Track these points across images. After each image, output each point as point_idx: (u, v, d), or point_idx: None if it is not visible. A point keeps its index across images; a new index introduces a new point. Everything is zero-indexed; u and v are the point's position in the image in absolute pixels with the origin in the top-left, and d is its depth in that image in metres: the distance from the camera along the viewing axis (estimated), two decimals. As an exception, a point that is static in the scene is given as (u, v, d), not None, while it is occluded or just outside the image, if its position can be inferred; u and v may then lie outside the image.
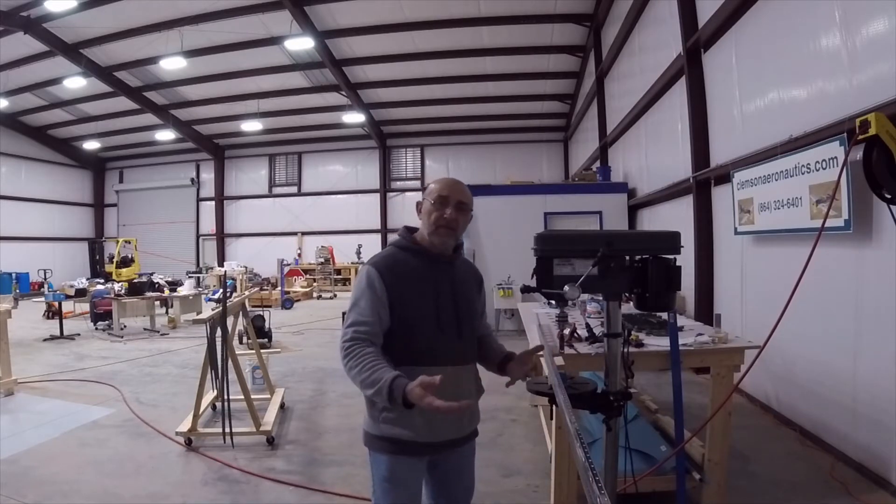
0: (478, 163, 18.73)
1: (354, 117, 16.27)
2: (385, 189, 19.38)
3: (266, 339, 7.85)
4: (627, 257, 1.75)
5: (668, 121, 7.20)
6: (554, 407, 1.69)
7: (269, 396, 4.96)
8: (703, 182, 6.01)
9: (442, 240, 1.77)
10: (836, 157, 3.48)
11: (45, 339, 8.75)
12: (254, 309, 8.93)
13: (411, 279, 1.73)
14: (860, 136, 3.00)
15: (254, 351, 5.18)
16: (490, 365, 1.93)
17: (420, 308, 1.73)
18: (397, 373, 1.52)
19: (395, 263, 1.75)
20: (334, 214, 19.59)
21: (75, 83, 13.83)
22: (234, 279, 12.72)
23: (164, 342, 8.69)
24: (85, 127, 18.11)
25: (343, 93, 15.10)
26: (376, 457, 1.76)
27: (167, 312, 11.40)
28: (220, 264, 17.98)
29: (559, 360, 2.54)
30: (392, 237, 1.94)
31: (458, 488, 1.88)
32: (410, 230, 1.86)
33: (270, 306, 11.73)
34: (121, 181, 21.80)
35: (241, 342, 7.40)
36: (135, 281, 10.65)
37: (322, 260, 17.98)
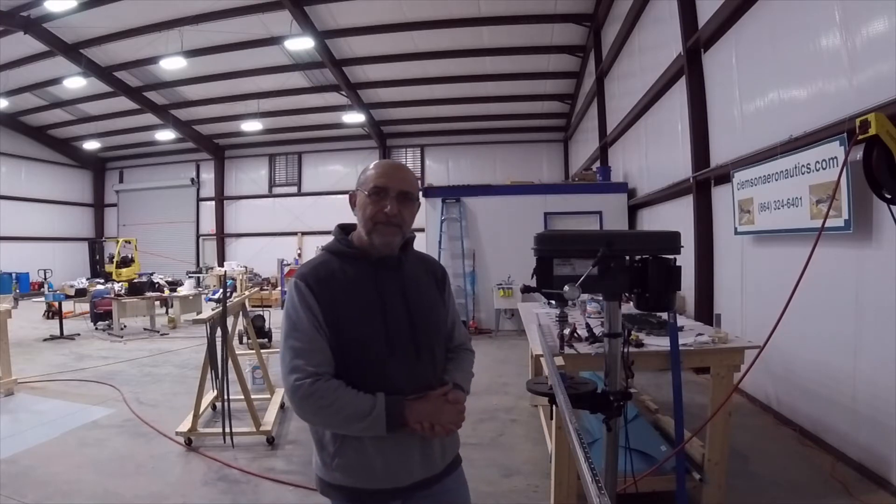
0: (478, 163, 18.73)
1: (354, 117, 16.26)
2: (385, 189, 19.35)
3: (266, 339, 7.85)
4: (627, 257, 1.76)
5: (668, 121, 7.20)
6: (554, 407, 1.69)
7: (269, 396, 4.96)
8: (703, 182, 6.01)
9: (384, 239, 1.44)
10: (836, 157, 3.47)
11: (45, 339, 8.75)
12: (254, 309, 8.92)
13: (351, 292, 1.42)
14: (860, 136, 3.00)
15: (254, 351, 5.18)
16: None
17: (365, 328, 1.41)
18: (380, 398, 1.34)
19: (328, 274, 1.43)
20: (334, 214, 19.37)
21: (75, 83, 13.81)
22: (234, 279, 12.72)
23: (164, 342, 8.69)
24: (85, 127, 18.10)
25: (343, 93, 15.10)
26: None
27: (167, 312, 11.42)
28: (220, 264, 17.96)
29: (559, 361, 2.54)
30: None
31: None
32: (346, 229, 1.54)
33: (270, 306, 11.73)
34: (121, 181, 21.78)
35: (241, 342, 7.41)
36: (135, 281, 10.66)
37: (322, 260, 17.96)
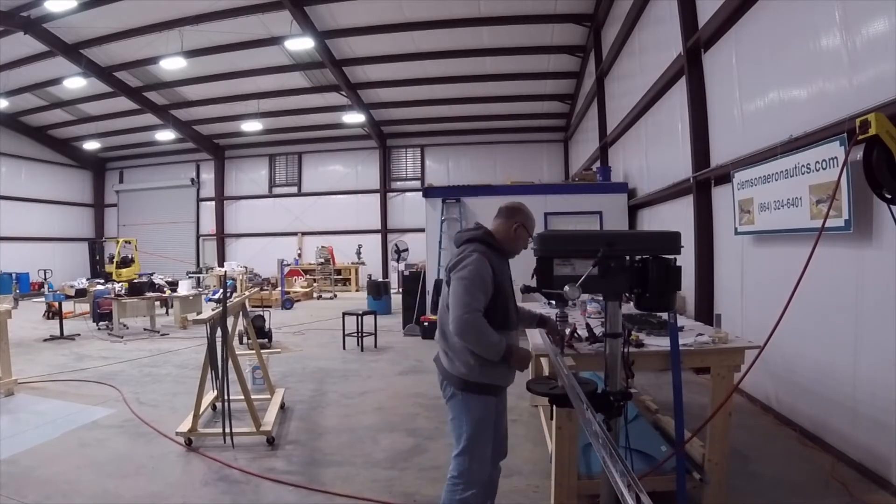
0: (478, 163, 18.73)
1: (354, 117, 16.26)
2: (385, 189, 19.37)
3: (266, 340, 7.85)
4: (627, 257, 1.76)
5: (669, 121, 7.20)
6: (554, 407, 1.69)
7: (269, 396, 4.96)
8: (704, 182, 6.01)
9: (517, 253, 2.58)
10: (836, 157, 3.47)
11: (45, 340, 8.74)
12: (254, 309, 8.93)
13: (500, 270, 2.41)
14: (860, 136, 3.00)
15: (254, 351, 5.18)
16: (529, 325, 2.81)
17: (509, 290, 2.44)
18: (505, 341, 2.30)
19: (493, 259, 2.40)
20: (334, 214, 19.58)
21: (75, 83, 13.82)
22: (234, 279, 12.72)
23: (164, 342, 8.69)
24: (85, 127, 18.11)
25: (343, 93, 15.10)
26: (474, 400, 2.35)
27: (167, 313, 11.41)
28: (221, 264, 17.97)
29: (569, 362, 2.53)
30: (468, 233, 2.57)
31: (503, 420, 2.62)
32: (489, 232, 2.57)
33: (270, 306, 11.73)
34: (121, 181, 21.79)
35: (241, 342, 7.41)
36: (135, 281, 10.65)
37: (322, 260, 17.97)
